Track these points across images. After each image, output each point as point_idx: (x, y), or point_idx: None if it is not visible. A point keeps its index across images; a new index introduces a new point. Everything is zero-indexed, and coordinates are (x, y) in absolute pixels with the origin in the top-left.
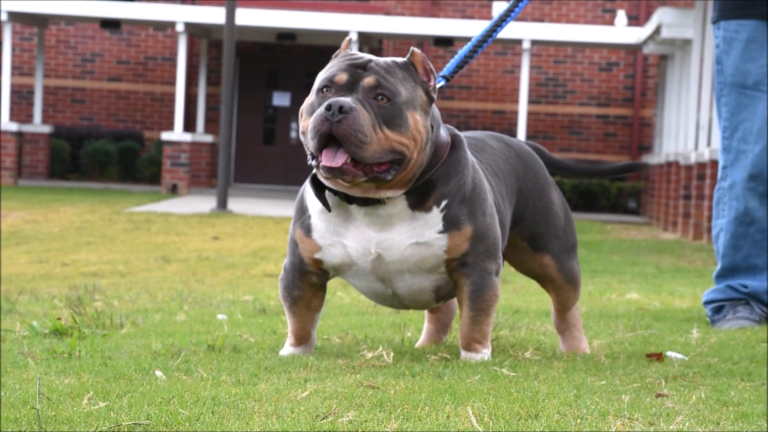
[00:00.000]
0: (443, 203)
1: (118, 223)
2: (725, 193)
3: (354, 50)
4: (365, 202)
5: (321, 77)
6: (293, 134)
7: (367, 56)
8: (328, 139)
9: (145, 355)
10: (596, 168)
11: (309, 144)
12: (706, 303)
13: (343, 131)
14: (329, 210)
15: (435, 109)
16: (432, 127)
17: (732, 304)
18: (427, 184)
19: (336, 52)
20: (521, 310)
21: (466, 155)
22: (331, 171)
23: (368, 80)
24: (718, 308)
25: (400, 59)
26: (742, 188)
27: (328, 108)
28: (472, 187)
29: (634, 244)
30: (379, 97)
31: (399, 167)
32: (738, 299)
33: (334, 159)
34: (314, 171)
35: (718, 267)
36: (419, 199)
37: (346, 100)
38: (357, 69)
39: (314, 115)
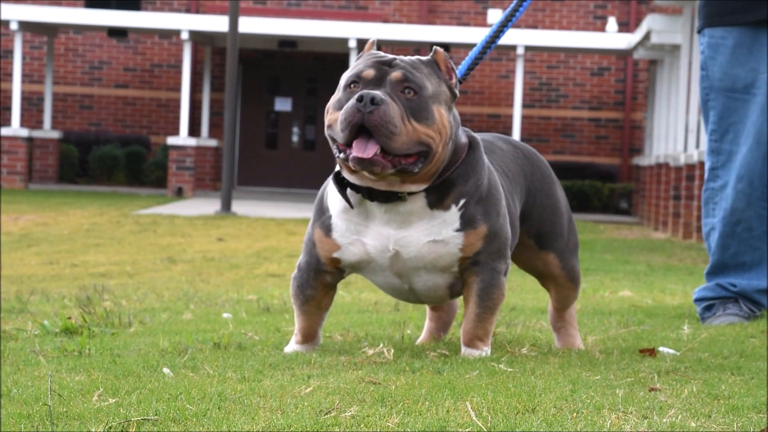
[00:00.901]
0: (461, 202)
1: (125, 225)
2: (715, 193)
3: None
4: (386, 199)
5: (348, 74)
6: (295, 138)
7: (390, 55)
8: (359, 130)
9: (153, 353)
10: None
11: (338, 136)
12: (697, 300)
13: (374, 121)
14: (351, 207)
15: (454, 110)
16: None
17: (722, 301)
18: (446, 183)
19: (359, 54)
20: (518, 308)
21: (482, 156)
22: (362, 162)
23: (395, 74)
24: (709, 306)
25: (424, 57)
26: (731, 189)
27: (360, 99)
28: (488, 188)
29: (626, 244)
30: (407, 91)
31: (425, 160)
32: (727, 297)
33: (366, 150)
34: (337, 169)
35: (709, 264)
36: (438, 197)
37: (377, 92)
38: (383, 65)
39: (345, 106)
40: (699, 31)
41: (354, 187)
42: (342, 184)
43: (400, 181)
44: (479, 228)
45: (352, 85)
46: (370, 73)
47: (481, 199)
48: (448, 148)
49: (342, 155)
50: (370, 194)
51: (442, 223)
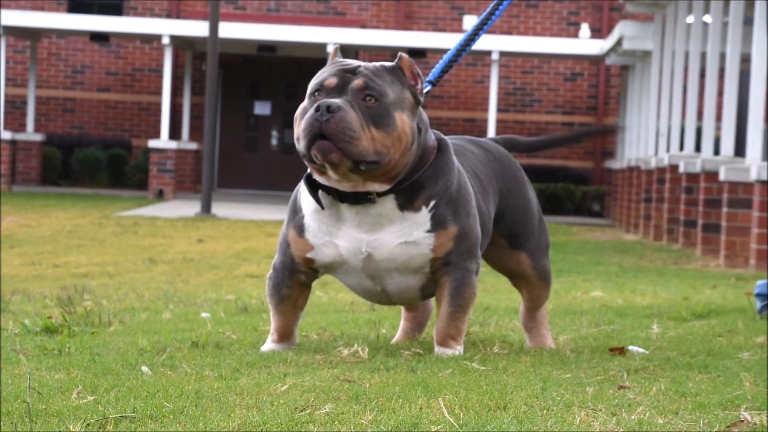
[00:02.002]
0: (431, 203)
1: (107, 226)
2: None
3: (342, 58)
4: (356, 201)
5: (313, 82)
6: (274, 141)
7: (356, 62)
8: (318, 139)
9: (132, 352)
10: (563, 136)
11: (301, 146)
12: (758, 295)
13: (332, 129)
14: (322, 207)
15: (423, 114)
16: (420, 129)
17: None
18: (415, 185)
19: (329, 61)
20: (491, 308)
21: (452, 158)
22: (322, 148)
23: (357, 82)
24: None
25: (388, 64)
26: None
27: (317, 109)
28: (458, 189)
29: (598, 245)
30: (368, 98)
31: (375, 168)
32: None
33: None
34: (308, 171)
35: None
36: (408, 199)
37: (335, 100)
38: (346, 73)
39: (305, 117)
40: None
41: (325, 189)
42: (313, 186)
43: (362, 180)
44: (449, 229)
45: (316, 94)
46: (333, 81)
47: (450, 201)
48: (411, 152)
49: (307, 157)
50: (340, 196)
51: (412, 224)
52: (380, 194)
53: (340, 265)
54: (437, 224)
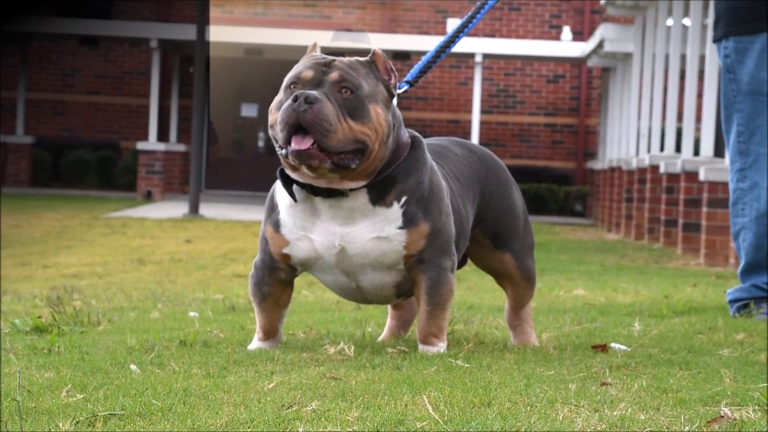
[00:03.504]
0: (403, 199)
1: (96, 227)
2: (744, 194)
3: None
4: (329, 194)
5: (289, 75)
6: (261, 143)
7: (331, 57)
8: (296, 129)
9: (121, 350)
10: None
11: (278, 135)
12: (731, 302)
13: (309, 120)
14: (295, 200)
15: (396, 110)
16: (393, 125)
17: (756, 302)
18: (387, 180)
19: (306, 55)
20: (475, 306)
21: (425, 155)
22: (300, 155)
23: (333, 75)
24: (743, 306)
25: (362, 58)
26: (763, 190)
27: (295, 99)
28: (430, 186)
29: (580, 245)
30: (343, 90)
31: (362, 157)
32: (762, 297)
33: (302, 143)
34: (282, 165)
35: (742, 264)
36: (380, 193)
37: (312, 92)
38: (322, 66)
39: (282, 107)
40: (719, 40)
41: (298, 183)
42: (287, 180)
43: (338, 178)
44: (421, 226)
45: (291, 86)
46: (309, 74)
47: (422, 198)
48: (387, 145)
49: (283, 152)
50: (313, 189)
51: (384, 220)
52: (353, 188)
53: (315, 261)
54: (408, 221)
